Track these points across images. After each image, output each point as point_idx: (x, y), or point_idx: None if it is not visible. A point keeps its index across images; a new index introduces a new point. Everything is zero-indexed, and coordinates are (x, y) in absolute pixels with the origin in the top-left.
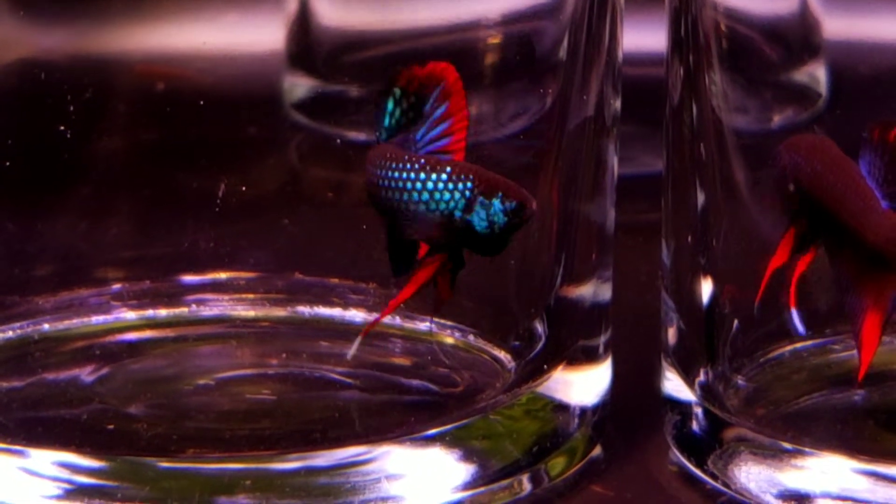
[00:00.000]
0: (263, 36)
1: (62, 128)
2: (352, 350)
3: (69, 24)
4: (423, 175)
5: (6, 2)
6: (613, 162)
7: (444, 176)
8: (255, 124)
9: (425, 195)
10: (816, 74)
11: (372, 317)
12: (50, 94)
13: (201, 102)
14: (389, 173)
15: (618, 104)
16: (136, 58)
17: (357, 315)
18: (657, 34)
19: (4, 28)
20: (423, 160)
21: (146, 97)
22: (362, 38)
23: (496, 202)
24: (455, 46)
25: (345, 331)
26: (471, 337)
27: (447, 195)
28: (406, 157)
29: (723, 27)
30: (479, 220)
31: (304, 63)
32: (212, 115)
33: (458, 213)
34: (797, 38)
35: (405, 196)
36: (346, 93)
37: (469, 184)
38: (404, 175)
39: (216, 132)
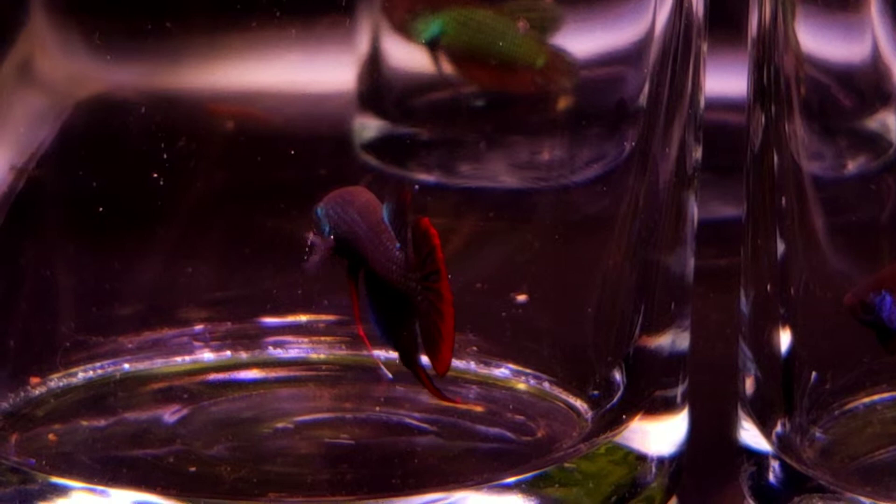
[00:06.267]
0: (333, 76)
1: (139, 166)
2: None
3: (141, 62)
4: None
5: (81, 39)
6: (694, 212)
7: None
8: (326, 165)
9: None
10: (888, 122)
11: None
12: (125, 131)
13: (274, 142)
14: None
15: (699, 153)
16: (208, 95)
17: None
18: (719, 78)
19: (79, 65)
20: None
21: (220, 136)
22: (433, 81)
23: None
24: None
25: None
26: (546, 384)
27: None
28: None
29: (803, 75)
30: None
31: (375, 104)
32: (284, 156)
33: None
34: (870, 85)
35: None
36: (417, 135)
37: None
38: None
39: (289, 172)
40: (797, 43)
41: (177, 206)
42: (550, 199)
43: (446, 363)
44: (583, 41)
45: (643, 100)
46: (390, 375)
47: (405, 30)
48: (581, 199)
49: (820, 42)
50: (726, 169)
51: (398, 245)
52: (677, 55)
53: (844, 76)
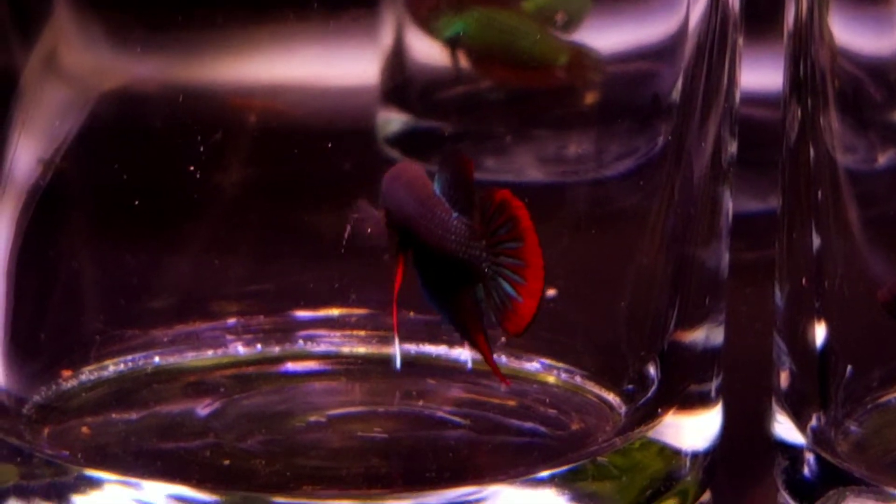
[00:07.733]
0: (358, 70)
1: (164, 160)
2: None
3: (162, 54)
4: None
5: (102, 32)
6: (729, 206)
7: None
8: (350, 159)
9: None
10: None
11: (478, 355)
12: (151, 124)
13: (298, 136)
14: None
15: (734, 148)
16: (233, 89)
17: (463, 353)
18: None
19: (104, 58)
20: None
21: (245, 129)
22: (457, 74)
23: None
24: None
25: (451, 369)
26: (577, 378)
27: None
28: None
29: (838, 68)
30: None
31: (399, 98)
32: (308, 150)
33: None
34: None
35: None
36: (440, 129)
37: None
38: None
39: (313, 166)
40: (832, 37)
41: (205, 199)
42: (585, 194)
43: (523, 324)
44: (617, 36)
45: (678, 95)
46: (398, 366)
47: (428, 28)
48: (616, 194)
49: (854, 35)
50: (754, 163)
51: (455, 214)
52: (713, 50)
53: (878, 69)
